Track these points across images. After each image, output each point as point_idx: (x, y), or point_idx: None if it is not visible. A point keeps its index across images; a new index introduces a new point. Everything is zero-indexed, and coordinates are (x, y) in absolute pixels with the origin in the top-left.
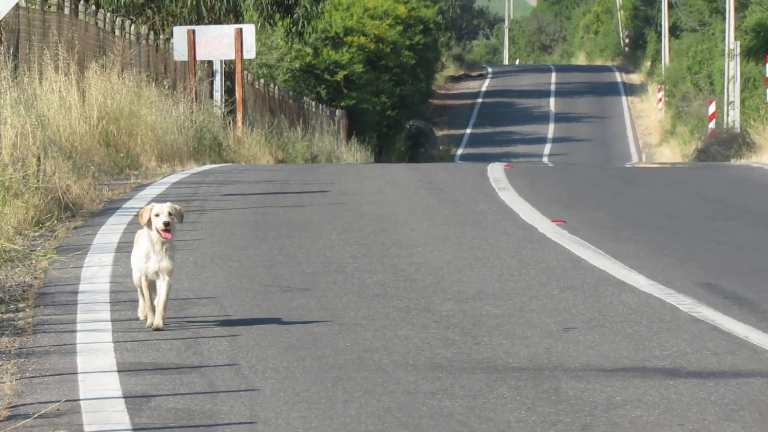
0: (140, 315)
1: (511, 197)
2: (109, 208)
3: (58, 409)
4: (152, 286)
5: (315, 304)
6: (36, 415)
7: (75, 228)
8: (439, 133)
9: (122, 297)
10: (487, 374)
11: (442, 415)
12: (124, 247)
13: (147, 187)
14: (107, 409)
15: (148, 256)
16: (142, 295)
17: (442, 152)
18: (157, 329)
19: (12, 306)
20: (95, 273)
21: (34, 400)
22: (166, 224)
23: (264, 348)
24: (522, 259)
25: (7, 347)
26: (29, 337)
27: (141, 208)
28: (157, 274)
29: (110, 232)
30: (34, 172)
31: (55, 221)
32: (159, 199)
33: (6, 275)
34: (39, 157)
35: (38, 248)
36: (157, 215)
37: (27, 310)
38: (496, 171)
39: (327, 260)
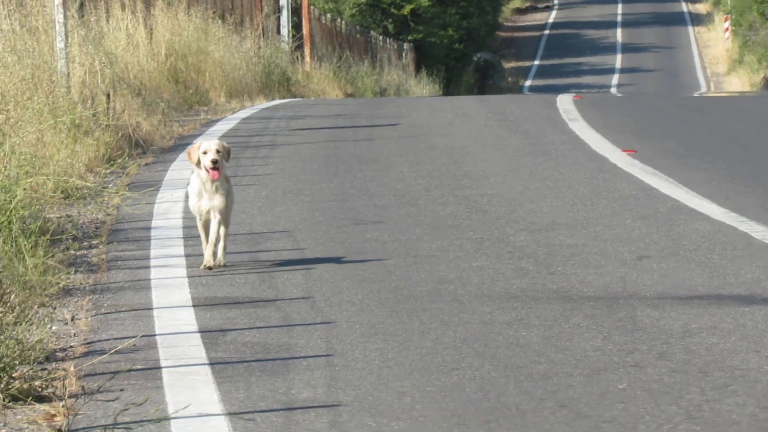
0: (206, 261)
1: (581, 128)
2: (180, 144)
3: (134, 345)
4: (208, 226)
5: (388, 237)
6: (112, 351)
7: (146, 165)
8: (506, 65)
9: (195, 232)
10: (562, 304)
11: (518, 345)
12: None
13: (217, 122)
14: (183, 344)
15: (200, 195)
16: (204, 235)
17: (511, 84)
18: (209, 268)
19: (85, 243)
20: (168, 209)
21: (109, 336)
22: (215, 162)
23: (338, 281)
24: (594, 188)
25: (81, 284)
26: (103, 273)
27: (191, 145)
28: (210, 212)
29: (181, 168)
30: (104, 109)
31: (126, 158)
32: (230, 134)
33: (79, 212)
34: (108, 95)
35: (110, 185)
36: (205, 153)
37: (100, 246)
38: (565, 102)
39: (399, 193)
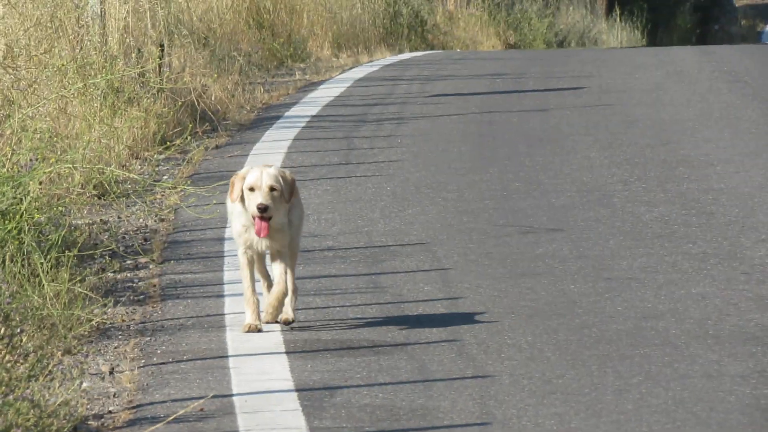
0: (247, 320)
1: None
2: (266, 117)
3: (201, 410)
4: (254, 263)
5: (570, 252)
6: (169, 418)
7: (216, 147)
8: (739, 2)
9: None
10: None
11: (759, 408)
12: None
13: (319, 86)
14: (273, 408)
15: (247, 229)
16: (248, 279)
17: (745, 30)
18: (276, 319)
19: (129, 262)
20: None
21: (165, 396)
22: (263, 210)
23: (497, 315)
24: None
25: (124, 321)
26: (156, 305)
27: (236, 172)
28: (269, 251)
29: (268, 151)
30: (156, 67)
31: (188, 138)
32: (339, 102)
33: (119, 217)
34: (162, 46)
35: (165, 177)
36: (251, 190)
37: (151, 266)
38: None
39: (585, 188)
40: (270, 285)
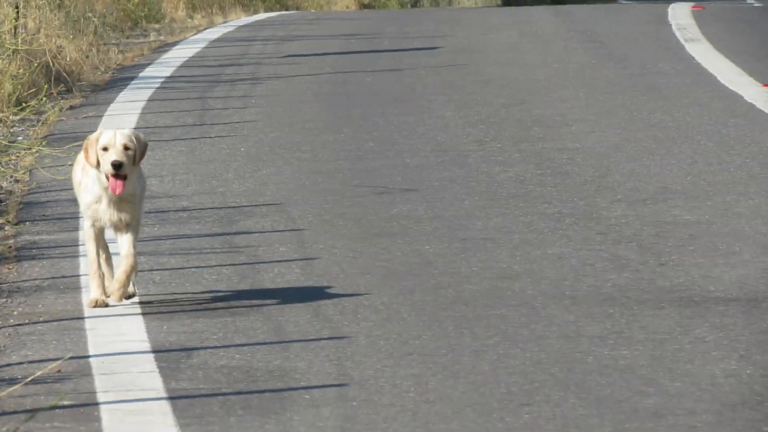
0: (93, 294)
1: (703, 51)
2: (120, 78)
3: (58, 371)
4: (102, 235)
5: (425, 212)
6: (27, 380)
7: (71, 108)
8: None
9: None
10: (679, 309)
11: (617, 369)
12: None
13: (174, 47)
14: (130, 370)
15: (98, 197)
16: (94, 252)
17: None
18: (125, 296)
19: None
20: None
21: (22, 357)
22: (117, 167)
23: (353, 276)
24: (723, 140)
25: None
26: (11, 266)
27: (88, 137)
28: (115, 224)
29: (122, 112)
30: (11, 28)
31: (43, 99)
32: (193, 63)
33: None
34: (17, 7)
35: (20, 138)
36: (105, 149)
37: (7, 228)
38: (680, 14)
39: (440, 147)
40: (108, 257)
